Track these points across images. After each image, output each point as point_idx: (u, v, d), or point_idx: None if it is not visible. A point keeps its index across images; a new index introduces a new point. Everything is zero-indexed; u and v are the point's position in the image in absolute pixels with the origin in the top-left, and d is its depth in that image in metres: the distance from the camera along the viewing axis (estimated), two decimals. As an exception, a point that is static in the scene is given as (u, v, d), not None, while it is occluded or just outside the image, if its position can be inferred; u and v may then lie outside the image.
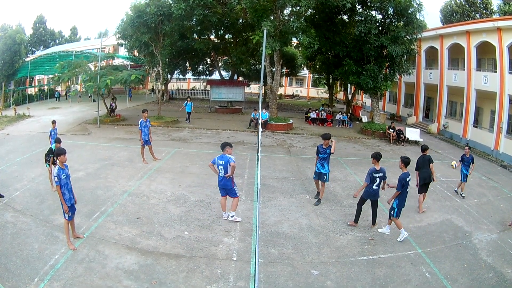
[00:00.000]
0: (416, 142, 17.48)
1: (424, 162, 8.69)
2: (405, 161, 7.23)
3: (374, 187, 7.30)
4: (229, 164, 7.11)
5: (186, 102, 20.31)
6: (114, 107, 20.46)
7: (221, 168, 7.21)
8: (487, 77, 17.70)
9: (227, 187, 7.32)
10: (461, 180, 10.07)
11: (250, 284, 5.44)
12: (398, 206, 7.08)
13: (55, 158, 6.20)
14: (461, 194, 10.06)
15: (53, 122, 10.82)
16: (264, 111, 18.42)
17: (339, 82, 32.72)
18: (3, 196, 7.68)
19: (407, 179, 7.05)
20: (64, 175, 6.02)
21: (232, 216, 7.54)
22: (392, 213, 7.17)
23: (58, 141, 8.98)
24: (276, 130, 18.58)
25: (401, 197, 7.07)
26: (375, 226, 7.64)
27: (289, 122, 19.66)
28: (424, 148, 9.04)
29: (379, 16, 18.92)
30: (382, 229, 7.50)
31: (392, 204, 7.15)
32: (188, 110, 19.89)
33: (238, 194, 7.53)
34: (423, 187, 8.69)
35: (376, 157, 7.38)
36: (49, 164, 8.77)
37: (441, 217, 8.47)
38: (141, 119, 11.31)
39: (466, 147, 10.46)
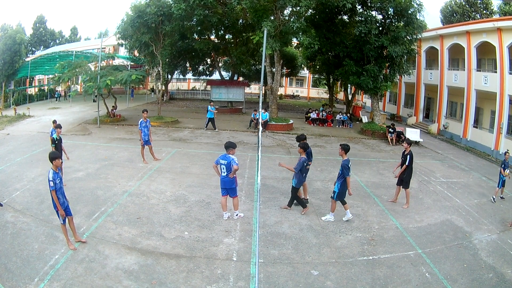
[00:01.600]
0: (416, 143, 17.48)
1: None
2: (345, 148, 7.64)
3: (304, 175, 8.01)
4: (232, 166, 7.14)
5: (209, 106, 18.21)
6: (114, 113, 20.31)
7: (223, 168, 7.25)
8: (487, 77, 17.71)
9: (229, 187, 7.36)
10: (498, 186, 10.00)
11: (250, 284, 5.44)
12: (340, 189, 7.54)
13: (50, 161, 6.11)
14: (493, 198, 9.92)
15: (54, 122, 10.85)
16: (264, 111, 18.41)
17: (339, 83, 32.75)
18: (1, 205, 7.70)
19: (349, 165, 7.51)
20: (58, 179, 5.95)
21: (237, 215, 7.66)
22: (333, 195, 7.67)
23: (59, 126, 9.08)
24: (276, 130, 18.59)
25: (344, 182, 7.49)
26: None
27: (289, 123, 19.67)
28: (410, 142, 9.25)
29: (379, 17, 18.92)
30: (325, 216, 7.95)
31: (334, 188, 7.65)
32: (210, 116, 17.96)
33: (237, 193, 7.63)
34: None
35: (303, 146, 7.86)
36: None
37: (441, 218, 8.47)
38: (141, 119, 11.32)
39: (508, 153, 10.42)
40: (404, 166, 8.78)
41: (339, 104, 37.48)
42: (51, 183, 5.81)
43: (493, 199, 9.91)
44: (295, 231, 7.27)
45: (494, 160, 15.80)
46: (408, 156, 8.74)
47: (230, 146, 7.38)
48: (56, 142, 9.13)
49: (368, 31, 17.56)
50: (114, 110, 20.45)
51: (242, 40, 26.28)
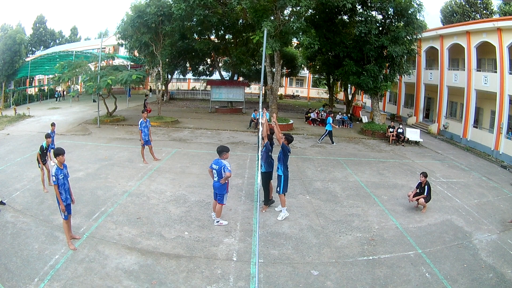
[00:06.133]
0: (416, 143, 17.48)
1: None
2: (289, 139, 7.92)
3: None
4: (224, 172, 6.91)
5: (328, 116, 16.62)
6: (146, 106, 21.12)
7: (215, 173, 7.05)
8: (487, 77, 17.70)
9: (218, 192, 7.13)
10: None
11: (250, 284, 5.44)
12: (284, 172, 7.62)
13: (55, 157, 6.19)
14: None
15: (52, 124, 10.85)
16: (264, 111, 18.34)
17: (339, 83, 32.74)
18: (4, 204, 7.76)
19: (289, 151, 7.83)
20: (61, 175, 6.02)
21: (217, 222, 7.38)
22: (278, 189, 7.72)
23: (47, 136, 9.01)
24: (276, 130, 18.53)
25: (285, 165, 7.68)
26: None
27: (289, 123, 19.67)
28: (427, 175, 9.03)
29: (380, 17, 18.92)
30: (280, 216, 7.91)
31: (278, 171, 7.70)
32: (329, 128, 16.10)
33: (224, 202, 7.26)
34: None
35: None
36: (40, 165, 8.75)
37: (441, 218, 8.46)
38: (141, 119, 11.32)
39: None
40: (422, 196, 8.64)
41: (339, 104, 37.49)
42: (53, 178, 5.93)
43: None
44: (295, 231, 7.26)
45: (494, 160, 15.79)
46: (426, 186, 8.68)
47: (223, 150, 7.12)
48: (45, 151, 9.03)
49: (368, 31, 17.55)
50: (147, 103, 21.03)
51: (242, 40, 26.28)
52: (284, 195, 7.85)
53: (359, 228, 7.61)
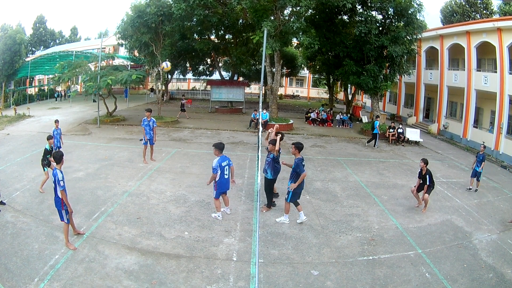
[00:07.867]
0: (416, 143, 17.48)
1: None
2: (299, 147, 7.40)
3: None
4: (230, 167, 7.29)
5: (375, 120, 16.23)
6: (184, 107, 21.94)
7: (226, 169, 7.28)
8: (487, 77, 17.71)
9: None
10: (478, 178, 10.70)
11: (250, 284, 5.44)
12: (295, 190, 7.32)
13: (57, 163, 6.13)
14: (469, 188, 10.74)
15: (56, 121, 10.84)
16: (264, 111, 18.38)
17: (339, 83, 32.76)
18: (4, 204, 7.76)
19: (303, 162, 7.32)
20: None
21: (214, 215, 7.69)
22: (286, 197, 7.50)
23: (49, 137, 9.00)
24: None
25: (297, 179, 7.23)
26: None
27: (289, 123, 19.66)
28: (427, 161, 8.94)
29: (380, 17, 18.95)
30: (279, 218, 7.71)
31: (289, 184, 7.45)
32: (376, 132, 16.06)
33: (217, 196, 7.53)
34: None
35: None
36: (46, 168, 8.72)
37: (441, 218, 8.46)
38: (144, 118, 11.28)
39: (482, 146, 11.10)
40: (426, 187, 8.55)
41: (339, 104, 37.50)
42: (62, 183, 5.85)
43: (469, 188, 10.72)
44: (295, 231, 7.26)
45: (494, 160, 15.79)
46: (428, 176, 8.53)
47: (223, 147, 7.45)
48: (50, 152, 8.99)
49: (368, 31, 17.57)
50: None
51: (242, 40, 26.29)
52: (290, 204, 7.62)
53: (359, 228, 7.62)
